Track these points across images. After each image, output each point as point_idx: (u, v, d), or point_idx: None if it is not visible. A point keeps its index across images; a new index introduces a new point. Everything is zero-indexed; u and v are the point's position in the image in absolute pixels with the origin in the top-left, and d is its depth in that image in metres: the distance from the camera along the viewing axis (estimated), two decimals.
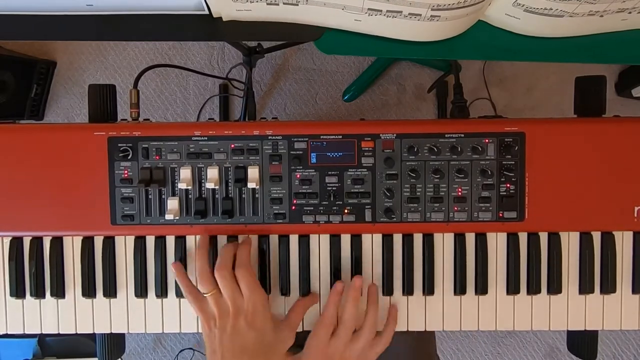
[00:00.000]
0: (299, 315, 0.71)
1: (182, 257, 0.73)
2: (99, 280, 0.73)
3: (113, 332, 0.74)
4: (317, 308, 0.73)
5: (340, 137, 0.70)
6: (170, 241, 0.73)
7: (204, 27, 0.62)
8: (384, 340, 0.71)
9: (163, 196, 0.71)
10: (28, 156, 0.70)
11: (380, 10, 0.57)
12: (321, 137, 0.70)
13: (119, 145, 0.70)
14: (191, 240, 0.73)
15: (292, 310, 0.71)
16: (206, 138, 0.70)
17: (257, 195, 0.71)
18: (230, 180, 0.71)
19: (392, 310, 0.73)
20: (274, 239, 0.73)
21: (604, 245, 0.72)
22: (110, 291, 0.73)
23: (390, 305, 0.73)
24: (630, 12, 0.59)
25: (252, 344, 0.64)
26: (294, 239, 0.73)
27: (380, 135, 0.70)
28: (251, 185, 0.69)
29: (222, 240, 0.73)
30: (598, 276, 0.73)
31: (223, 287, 0.65)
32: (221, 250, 0.69)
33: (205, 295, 0.66)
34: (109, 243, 0.73)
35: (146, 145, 0.70)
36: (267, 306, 0.67)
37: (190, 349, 1.62)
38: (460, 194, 0.71)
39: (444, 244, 0.73)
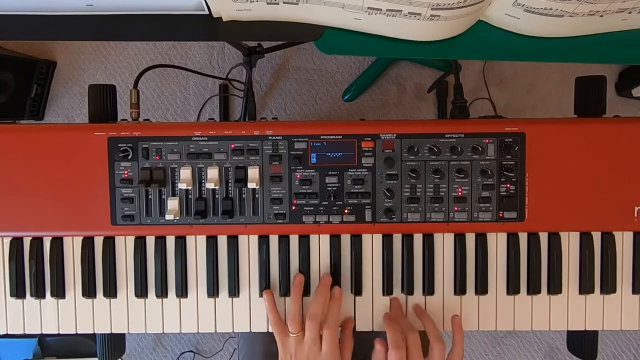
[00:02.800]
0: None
1: (182, 258, 0.73)
2: (99, 280, 0.73)
3: (113, 332, 0.74)
4: None
5: (340, 137, 0.70)
6: (171, 241, 0.73)
7: (204, 27, 0.62)
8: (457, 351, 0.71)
9: (163, 196, 0.71)
10: (28, 156, 0.70)
11: (380, 9, 0.57)
12: (321, 137, 0.70)
13: (119, 145, 0.70)
14: (191, 241, 0.73)
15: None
16: (206, 138, 0.70)
17: (257, 196, 0.71)
18: (230, 181, 0.71)
19: (455, 320, 0.73)
20: (274, 239, 0.73)
21: (604, 245, 0.73)
22: (111, 291, 0.73)
23: (453, 317, 0.73)
24: (630, 12, 0.59)
25: None
26: (294, 239, 0.73)
27: (380, 135, 0.70)
28: (251, 185, 0.69)
29: (222, 240, 0.73)
30: (598, 276, 0.73)
31: (308, 335, 0.68)
32: (315, 298, 0.70)
33: (290, 334, 0.69)
34: (109, 243, 0.73)
35: (146, 146, 0.70)
36: None
37: (191, 351, 1.62)
38: (460, 194, 0.71)
39: (444, 244, 0.73)
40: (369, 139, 0.70)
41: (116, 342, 0.77)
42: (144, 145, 0.70)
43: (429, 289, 0.73)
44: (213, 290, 0.73)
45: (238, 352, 0.96)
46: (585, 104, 0.75)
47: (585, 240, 0.72)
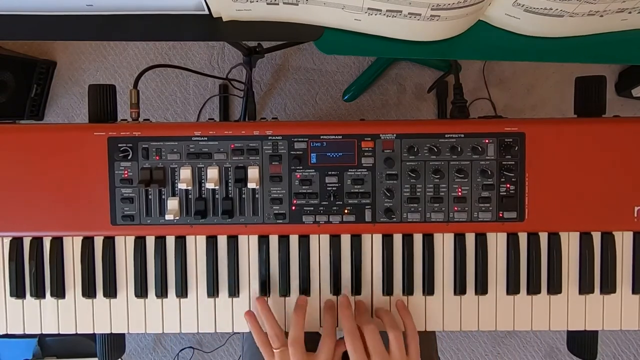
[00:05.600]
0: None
1: (182, 258, 0.73)
2: (99, 280, 0.73)
3: (113, 332, 0.74)
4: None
5: (340, 137, 0.70)
6: (170, 241, 0.73)
7: (204, 27, 0.62)
8: (411, 334, 0.69)
9: (163, 196, 0.71)
10: (28, 156, 0.70)
11: (380, 10, 0.57)
12: (321, 137, 0.70)
13: (119, 145, 0.70)
14: (191, 241, 0.73)
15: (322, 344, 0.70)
16: (206, 138, 0.70)
17: (257, 196, 0.71)
18: (230, 181, 0.71)
19: (398, 303, 0.73)
20: (274, 239, 0.73)
21: (604, 245, 0.72)
22: (110, 291, 0.73)
23: (397, 301, 0.73)
24: (630, 12, 0.59)
25: None
26: (294, 239, 0.73)
27: (380, 135, 0.70)
28: (251, 185, 0.69)
29: (222, 240, 0.73)
30: (598, 276, 0.73)
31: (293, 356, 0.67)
32: (294, 320, 0.69)
33: (275, 350, 0.69)
34: (109, 243, 0.73)
35: (146, 146, 0.70)
36: None
37: (190, 347, 1.62)
38: (460, 194, 0.71)
39: (444, 244, 0.73)
40: (369, 139, 0.70)
41: (116, 342, 0.77)
42: (144, 145, 0.70)
43: (428, 289, 0.73)
44: (213, 290, 0.73)
45: (243, 357, 0.96)
46: (585, 104, 0.75)
47: (585, 240, 0.72)
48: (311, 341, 0.86)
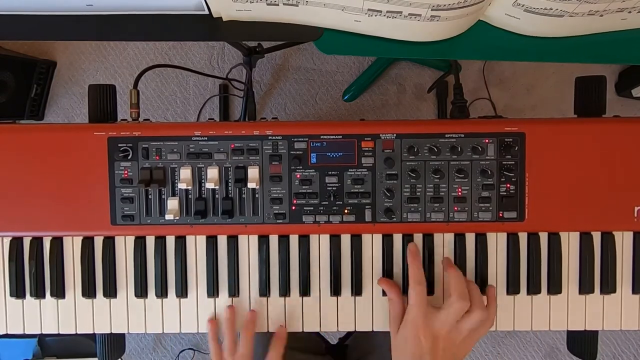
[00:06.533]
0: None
1: (182, 258, 0.73)
2: (99, 280, 0.73)
3: (113, 332, 0.74)
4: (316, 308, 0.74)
5: (340, 137, 0.70)
6: (170, 241, 0.73)
7: (204, 27, 0.62)
8: (489, 323, 0.68)
9: (163, 196, 0.71)
10: (28, 156, 0.70)
11: (380, 11, 0.57)
12: (321, 137, 0.70)
13: (119, 145, 0.70)
14: (191, 241, 0.73)
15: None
16: (206, 138, 0.70)
17: (257, 195, 0.71)
18: (230, 180, 0.71)
19: (491, 290, 0.71)
20: (274, 239, 0.73)
21: (604, 245, 0.72)
22: (110, 291, 0.73)
23: (489, 286, 0.71)
24: (630, 12, 0.59)
25: None
26: (294, 239, 0.73)
27: (380, 135, 0.70)
28: (251, 185, 0.69)
29: (222, 240, 0.73)
30: (598, 276, 0.73)
31: None
32: (242, 336, 0.71)
33: None
34: (109, 243, 0.73)
35: (146, 146, 0.70)
36: None
37: (191, 349, 1.62)
38: (460, 194, 0.71)
39: (444, 244, 0.73)
40: (369, 139, 0.70)
41: (116, 342, 0.77)
42: (144, 145, 0.70)
43: (428, 289, 0.72)
44: (213, 290, 0.73)
45: None
46: (585, 104, 0.75)
47: (585, 240, 0.72)
48: (299, 340, 0.87)
